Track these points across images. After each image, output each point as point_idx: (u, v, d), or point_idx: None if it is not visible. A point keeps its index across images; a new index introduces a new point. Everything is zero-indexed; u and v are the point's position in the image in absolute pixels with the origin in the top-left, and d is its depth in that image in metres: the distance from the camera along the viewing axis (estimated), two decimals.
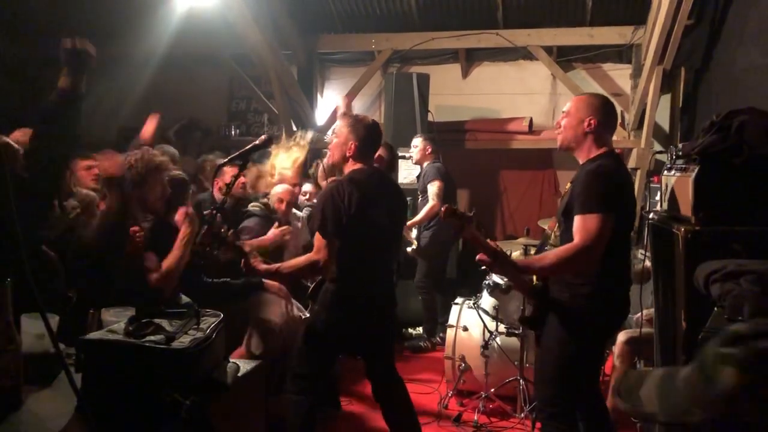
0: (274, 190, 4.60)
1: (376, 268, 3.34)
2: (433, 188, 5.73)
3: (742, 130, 2.58)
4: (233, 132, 7.90)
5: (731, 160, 2.59)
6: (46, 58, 7.80)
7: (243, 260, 3.14)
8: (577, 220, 2.76)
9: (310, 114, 7.51)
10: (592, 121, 2.91)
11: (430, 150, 6.03)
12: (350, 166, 3.27)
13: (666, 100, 6.64)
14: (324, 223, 3.12)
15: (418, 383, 4.81)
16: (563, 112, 3.04)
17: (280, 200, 4.55)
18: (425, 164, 5.99)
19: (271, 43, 6.60)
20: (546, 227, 3.14)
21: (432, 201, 5.71)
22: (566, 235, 2.87)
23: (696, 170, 2.67)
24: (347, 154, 3.25)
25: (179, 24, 5.96)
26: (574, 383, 2.98)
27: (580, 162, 3.03)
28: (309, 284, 3.55)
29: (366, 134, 3.26)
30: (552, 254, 2.82)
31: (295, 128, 7.16)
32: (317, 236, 3.16)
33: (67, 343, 1.96)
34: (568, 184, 3.03)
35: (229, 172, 4.38)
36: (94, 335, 1.69)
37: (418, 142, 6.08)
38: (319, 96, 7.92)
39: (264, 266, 3.20)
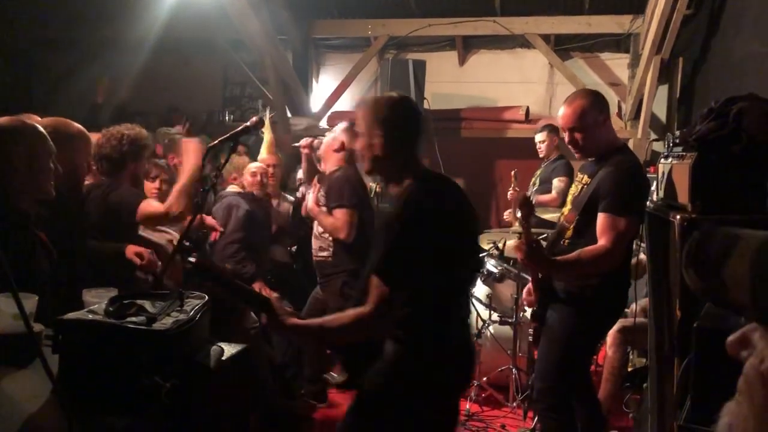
0: (247, 167, 4.59)
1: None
2: (561, 184, 5.31)
3: (741, 117, 2.52)
4: (227, 117, 7.84)
5: (729, 147, 2.53)
6: (41, 41, 7.76)
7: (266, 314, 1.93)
8: (606, 220, 2.72)
9: (305, 100, 7.44)
10: (603, 120, 2.87)
11: (556, 143, 5.52)
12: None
13: (663, 90, 6.59)
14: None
15: None
16: (564, 131, 2.92)
17: (253, 174, 4.54)
18: (553, 158, 5.57)
19: (267, 28, 6.52)
20: (562, 218, 3.05)
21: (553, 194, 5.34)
22: (586, 230, 2.82)
23: (693, 157, 2.62)
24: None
25: (174, 9, 5.90)
26: (574, 374, 2.97)
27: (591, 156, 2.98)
28: None
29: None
30: (580, 256, 2.73)
31: (289, 114, 7.13)
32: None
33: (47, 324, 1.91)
34: (584, 177, 2.97)
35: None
36: (71, 315, 1.64)
37: (543, 136, 5.58)
38: (314, 82, 7.84)
39: (297, 322, 1.97)
